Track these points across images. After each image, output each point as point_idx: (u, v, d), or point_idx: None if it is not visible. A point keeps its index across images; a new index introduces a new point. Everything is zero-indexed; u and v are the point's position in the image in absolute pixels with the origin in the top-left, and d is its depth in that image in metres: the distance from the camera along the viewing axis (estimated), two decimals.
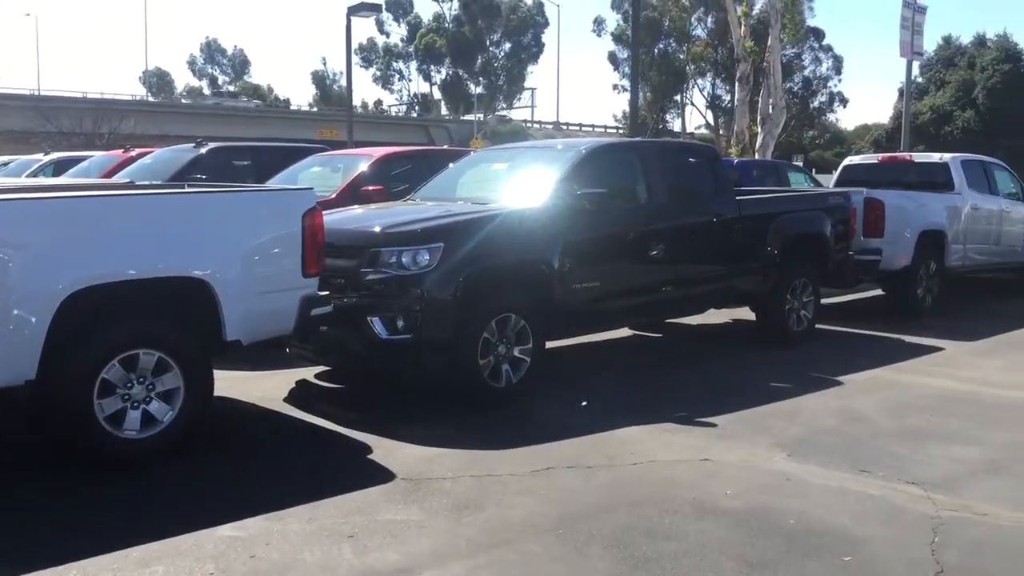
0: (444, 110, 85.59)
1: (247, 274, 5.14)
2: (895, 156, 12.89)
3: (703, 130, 66.68)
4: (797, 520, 4.23)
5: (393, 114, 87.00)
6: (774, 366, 7.68)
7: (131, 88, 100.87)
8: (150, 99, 48.83)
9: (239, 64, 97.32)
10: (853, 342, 8.95)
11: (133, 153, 12.95)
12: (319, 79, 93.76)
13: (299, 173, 9.89)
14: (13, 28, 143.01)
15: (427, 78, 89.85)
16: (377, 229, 6.17)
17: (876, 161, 12.56)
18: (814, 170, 24.99)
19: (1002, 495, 4.60)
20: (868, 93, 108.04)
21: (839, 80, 63.01)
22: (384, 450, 5.23)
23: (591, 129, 74.73)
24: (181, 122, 42.00)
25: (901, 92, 38.24)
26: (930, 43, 37.02)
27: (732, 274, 8.04)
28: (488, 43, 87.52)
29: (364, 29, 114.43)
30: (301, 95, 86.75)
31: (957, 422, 5.96)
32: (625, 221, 7.16)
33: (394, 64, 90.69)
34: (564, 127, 71.88)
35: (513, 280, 6.39)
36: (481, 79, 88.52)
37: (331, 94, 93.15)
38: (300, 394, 6.67)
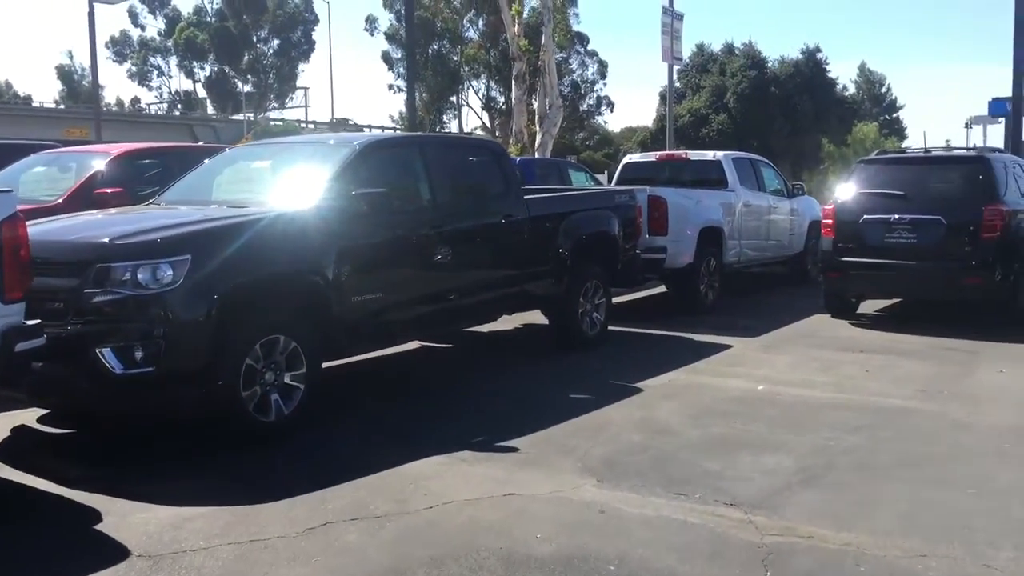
0: (211, 109, 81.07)
1: None
2: (672, 154, 13.03)
3: (480, 131, 67.23)
4: (619, 566, 3.67)
5: (152, 112, 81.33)
6: (571, 374, 7.24)
7: None
8: None
9: None
10: (646, 343, 8.73)
11: None
12: (65, 74, 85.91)
13: (20, 174, 8.36)
14: None
15: (189, 75, 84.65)
16: (105, 239, 5.04)
17: (655, 159, 12.60)
18: (588, 170, 25.46)
19: (821, 511, 4.28)
20: (632, 97, 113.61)
21: (604, 84, 65.47)
22: (117, 516, 4.19)
23: (368, 129, 73.40)
24: None
25: (663, 96, 40.18)
26: (686, 50, 39.26)
27: (524, 278, 7.52)
28: (256, 39, 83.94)
29: (116, 21, 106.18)
30: (46, 91, 78.94)
31: (761, 427, 5.72)
32: (407, 224, 6.43)
33: (151, 59, 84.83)
34: (347, 122, 69.98)
35: (279, 296, 5.49)
36: (250, 77, 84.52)
37: (79, 90, 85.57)
38: (15, 445, 5.42)
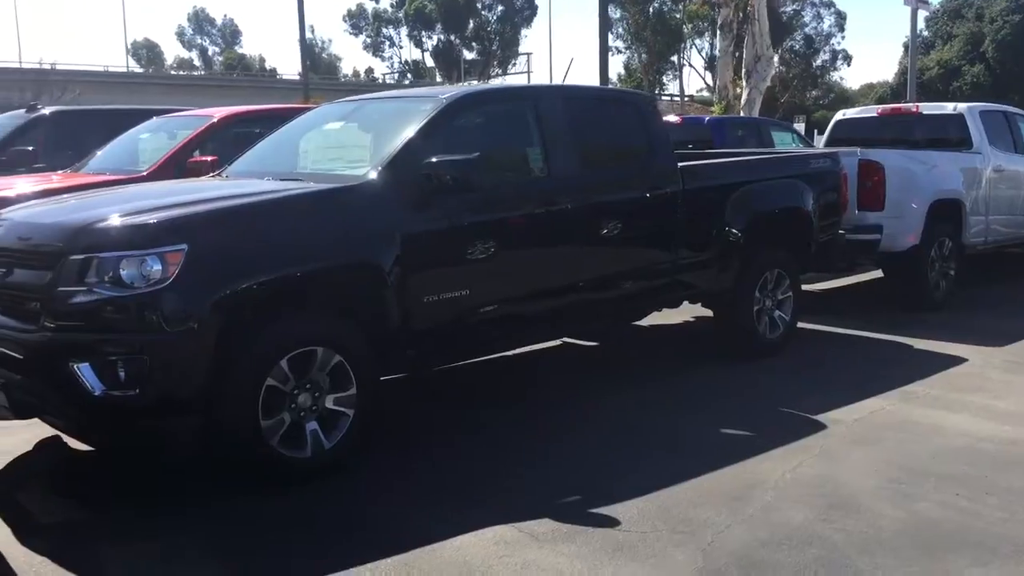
0: (438, 77, 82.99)
1: None
2: (898, 107, 10.58)
3: (704, 92, 63.99)
4: None
5: (384, 82, 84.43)
6: (728, 395, 5.53)
7: (119, 60, 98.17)
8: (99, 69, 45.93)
9: (229, 34, 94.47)
10: (844, 351, 6.77)
11: None
12: (308, 48, 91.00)
13: (134, 141, 7.72)
14: None
15: (418, 44, 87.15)
16: (81, 223, 3.97)
17: (875, 114, 10.24)
18: (816, 131, 22.64)
19: None
20: (872, 51, 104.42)
21: (842, 37, 60.27)
22: None
23: None
24: (136, 92, 39.55)
25: (906, 47, 35.77)
26: None
27: (676, 266, 5.86)
28: (480, 6, 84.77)
29: None
30: (291, 64, 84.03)
31: (1000, 512, 3.82)
32: (508, 200, 4.97)
33: (384, 31, 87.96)
34: None
35: (316, 297, 4.23)
36: (474, 44, 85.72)
37: (320, 63, 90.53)
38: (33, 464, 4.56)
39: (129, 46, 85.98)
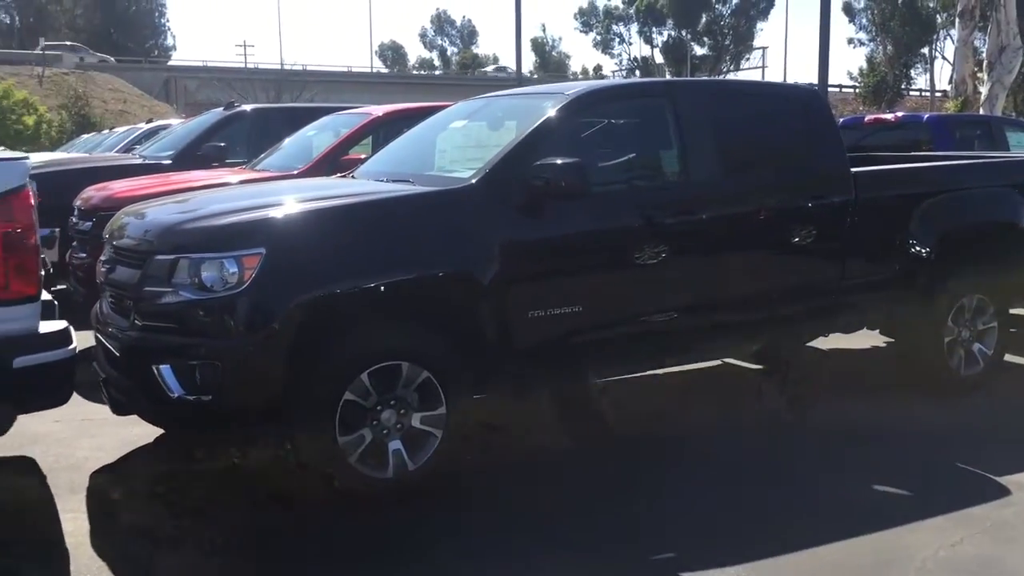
0: (667, 74, 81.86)
1: None
2: None
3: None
4: None
5: (611, 79, 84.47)
6: (897, 440, 4.70)
7: (364, 61, 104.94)
8: (336, 70, 48.91)
9: (467, 35, 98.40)
10: None
11: (151, 124, 11.64)
12: (539, 46, 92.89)
13: (308, 139, 7.88)
14: (259, 6, 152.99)
15: (648, 41, 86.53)
16: (171, 223, 3.93)
17: None
18: None
19: None
20: None
21: None
22: None
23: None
24: (364, 91, 41.70)
25: None
26: None
27: (844, 287, 5.09)
28: (713, 0, 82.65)
29: None
30: (523, 62, 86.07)
31: None
32: (634, 208, 4.47)
33: (614, 27, 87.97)
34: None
35: (402, 307, 3.95)
36: (705, 40, 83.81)
37: (549, 61, 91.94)
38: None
39: (376, 48, 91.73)
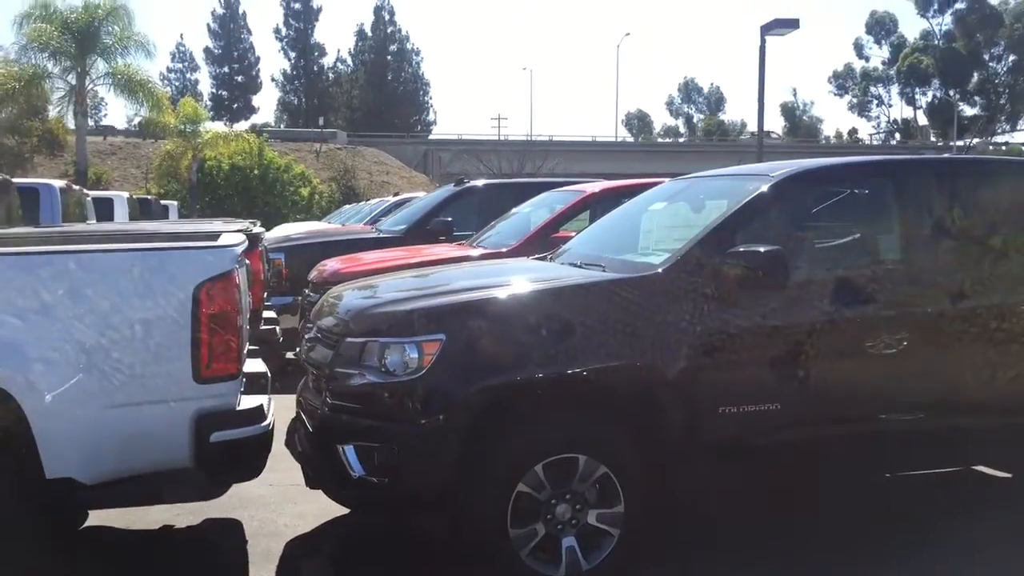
0: (931, 136, 76.79)
1: (88, 378, 3.44)
2: None
3: None
4: None
5: (870, 143, 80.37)
6: None
7: (610, 130, 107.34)
8: (580, 139, 50.19)
9: (714, 101, 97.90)
10: None
11: (398, 197, 12.38)
12: (788, 110, 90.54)
13: (521, 215, 8.04)
14: (513, 82, 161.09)
15: (910, 102, 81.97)
16: (361, 307, 4.06)
17: None
18: None
19: None
20: None
21: None
22: None
23: None
24: (606, 159, 42.39)
25: None
26: None
27: None
28: (987, 58, 76.85)
29: (839, 55, 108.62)
30: (772, 127, 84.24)
31: None
32: (842, 298, 4.08)
33: (872, 89, 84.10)
34: None
35: (583, 398, 3.83)
36: (976, 99, 77.89)
37: (799, 124, 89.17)
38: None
39: (623, 118, 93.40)
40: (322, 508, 4.76)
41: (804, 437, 4.02)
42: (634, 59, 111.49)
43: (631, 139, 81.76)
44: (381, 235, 9.41)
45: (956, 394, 4.17)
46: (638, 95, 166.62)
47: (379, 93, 72.14)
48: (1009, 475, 5.29)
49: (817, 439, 4.04)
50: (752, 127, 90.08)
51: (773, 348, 3.97)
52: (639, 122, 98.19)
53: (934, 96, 79.00)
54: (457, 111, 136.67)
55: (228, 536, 4.49)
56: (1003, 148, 59.85)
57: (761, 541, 4.38)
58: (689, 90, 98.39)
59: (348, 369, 3.84)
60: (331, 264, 7.20)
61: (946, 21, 76.79)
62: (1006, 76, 76.67)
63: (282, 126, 65.28)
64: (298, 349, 4.61)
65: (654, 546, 3.96)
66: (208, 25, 73.79)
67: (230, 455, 3.63)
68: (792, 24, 23.72)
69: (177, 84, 71.88)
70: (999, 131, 74.47)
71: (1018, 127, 73.25)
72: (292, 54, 75.57)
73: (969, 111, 75.19)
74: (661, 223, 5.00)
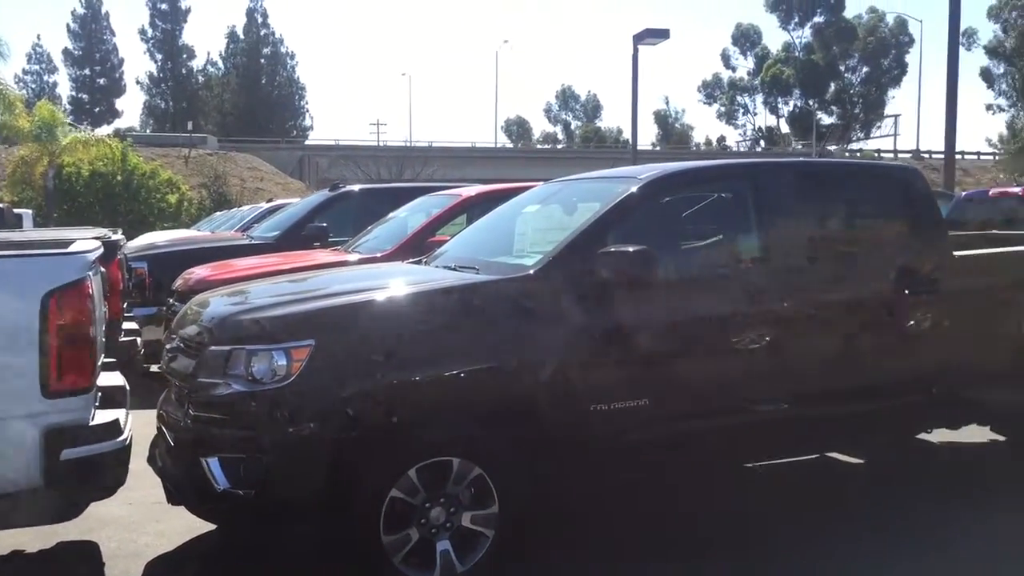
0: (793, 143, 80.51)
1: None
2: None
3: None
4: None
5: (736, 150, 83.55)
6: (1001, 561, 4.18)
7: (490, 136, 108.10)
8: (454, 145, 50.58)
9: (591, 109, 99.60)
10: None
11: (272, 203, 12.10)
12: (661, 118, 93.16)
13: (404, 220, 7.96)
14: (391, 87, 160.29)
15: (773, 111, 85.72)
16: (224, 314, 3.93)
17: None
18: None
19: None
20: None
21: None
22: None
23: (961, 157, 65.22)
24: (487, 166, 42.59)
25: None
26: None
27: (948, 380, 4.65)
28: (843, 69, 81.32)
29: (708, 65, 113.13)
30: (645, 135, 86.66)
31: None
32: (708, 296, 4.22)
33: (738, 99, 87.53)
34: (926, 156, 63.14)
35: (454, 401, 3.81)
36: (834, 108, 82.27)
37: (672, 132, 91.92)
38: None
39: (502, 124, 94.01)
40: (186, 525, 4.56)
41: (674, 431, 4.11)
42: (513, 66, 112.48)
43: (511, 145, 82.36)
44: (253, 242, 9.14)
45: (815, 385, 4.36)
46: (517, 102, 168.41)
47: (252, 97, 70.20)
48: (861, 460, 5.58)
49: (688, 432, 4.14)
50: (627, 134, 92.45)
51: (641, 345, 4.05)
52: (518, 128, 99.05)
53: (795, 105, 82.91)
54: (335, 117, 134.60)
55: (84, 560, 4.25)
56: (858, 154, 63.27)
57: (639, 537, 4.46)
58: (567, 97, 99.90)
59: (212, 379, 3.70)
60: (198, 272, 6.94)
61: (806, 34, 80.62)
62: (860, 87, 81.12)
63: (148, 131, 62.71)
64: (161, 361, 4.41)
65: (529, 545, 3.97)
66: (68, 25, 70.29)
67: (83, 473, 3.43)
68: (663, 34, 24.48)
69: (34, 87, 68.19)
70: (854, 138, 78.63)
71: (872, 134, 77.50)
72: (159, 56, 72.62)
73: (827, 119, 79.19)
74: (535, 225, 5.05)
